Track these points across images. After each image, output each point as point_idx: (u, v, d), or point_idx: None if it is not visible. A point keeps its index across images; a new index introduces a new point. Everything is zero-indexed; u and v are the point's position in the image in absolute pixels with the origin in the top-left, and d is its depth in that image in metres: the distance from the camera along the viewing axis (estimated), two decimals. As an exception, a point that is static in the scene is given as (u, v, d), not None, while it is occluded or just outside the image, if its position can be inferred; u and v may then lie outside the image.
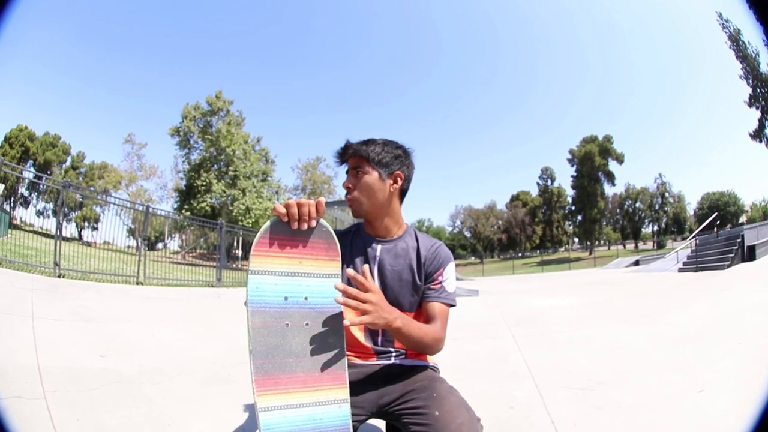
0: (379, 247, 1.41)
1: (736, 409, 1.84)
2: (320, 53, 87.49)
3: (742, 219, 47.83)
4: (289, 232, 1.11)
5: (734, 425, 1.69)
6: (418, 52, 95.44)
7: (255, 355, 1.04)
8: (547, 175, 60.75)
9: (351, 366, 1.37)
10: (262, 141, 33.64)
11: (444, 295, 1.37)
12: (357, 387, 1.30)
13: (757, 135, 29.35)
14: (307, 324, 1.11)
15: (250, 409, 2.06)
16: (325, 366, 1.13)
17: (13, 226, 14.41)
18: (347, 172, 1.40)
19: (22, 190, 37.23)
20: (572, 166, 54.97)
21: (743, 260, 10.63)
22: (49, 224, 28.50)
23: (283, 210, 1.10)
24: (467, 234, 67.45)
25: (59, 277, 6.43)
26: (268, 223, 1.09)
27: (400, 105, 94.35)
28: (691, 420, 1.77)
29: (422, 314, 1.37)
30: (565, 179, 59.22)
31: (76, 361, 2.51)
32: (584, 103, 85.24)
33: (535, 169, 78.42)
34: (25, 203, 38.35)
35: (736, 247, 10.75)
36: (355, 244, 1.43)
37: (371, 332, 1.41)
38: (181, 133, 30.43)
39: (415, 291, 1.38)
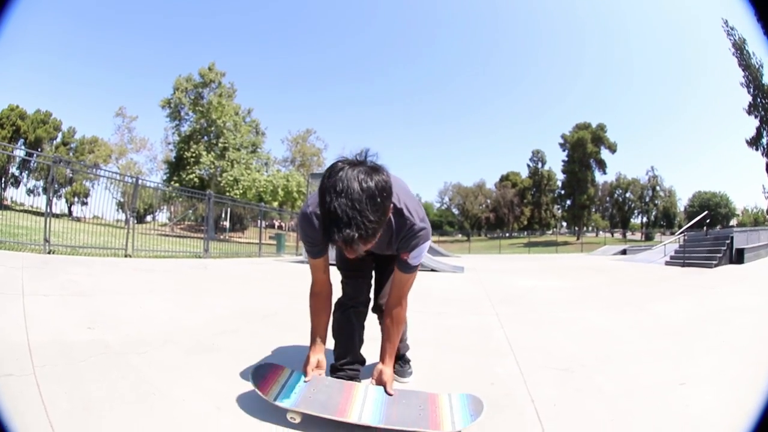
0: None
1: (718, 405, 1.87)
2: (313, 28, 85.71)
3: (733, 222, 48.36)
4: None
5: (714, 421, 1.72)
6: (413, 29, 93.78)
7: None
8: (538, 157, 60.83)
9: None
10: (253, 113, 33.20)
11: (410, 264, 1.68)
12: None
13: (753, 142, 29.64)
14: None
15: (233, 376, 2.07)
16: None
17: (3, 206, 14.23)
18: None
19: (13, 169, 36.51)
20: (564, 150, 55.18)
21: (730, 262, 10.72)
22: (40, 202, 28.02)
23: None
24: (455, 211, 67.52)
25: (49, 253, 6.41)
26: None
27: (392, 80, 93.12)
28: (671, 411, 1.80)
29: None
30: (556, 163, 59.52)
31: (64, 335, 2.50)
32: (580, 90, 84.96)
33: (526, 151, 78.37)
34: (16, 182, 37.65)
35: (725, 248, 10.81)
36: None
37: None
38: (172, 105, 29.89)
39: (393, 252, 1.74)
